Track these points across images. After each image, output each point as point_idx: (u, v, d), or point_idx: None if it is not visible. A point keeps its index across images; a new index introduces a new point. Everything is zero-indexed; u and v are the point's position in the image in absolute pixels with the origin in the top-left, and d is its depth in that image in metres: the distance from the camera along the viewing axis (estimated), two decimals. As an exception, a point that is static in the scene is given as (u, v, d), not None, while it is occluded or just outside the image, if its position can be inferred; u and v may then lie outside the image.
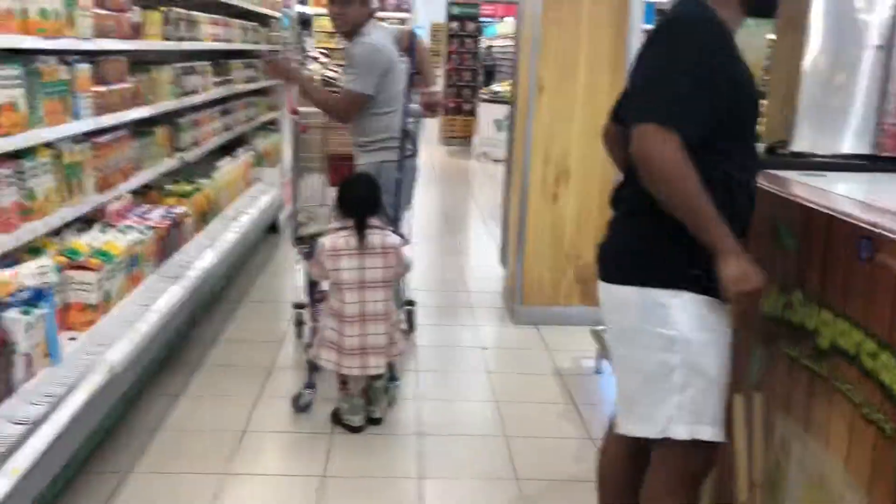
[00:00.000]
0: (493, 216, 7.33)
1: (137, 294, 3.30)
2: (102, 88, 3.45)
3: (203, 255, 4.05)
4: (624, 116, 2.10)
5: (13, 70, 2.68)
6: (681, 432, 1.88)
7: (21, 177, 2.78)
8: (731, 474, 2.26)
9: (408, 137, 3.54)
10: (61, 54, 3.17)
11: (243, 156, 5.98)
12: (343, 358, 3.03)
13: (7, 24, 2.66)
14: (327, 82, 10.17)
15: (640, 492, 2.19)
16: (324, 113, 3.77)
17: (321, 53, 12.42)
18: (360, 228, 3.01)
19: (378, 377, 3.18)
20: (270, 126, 7.48)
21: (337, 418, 3.20)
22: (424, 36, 18.13)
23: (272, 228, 6.28)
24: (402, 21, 18.44)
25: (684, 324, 1.84)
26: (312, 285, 3.62)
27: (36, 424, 2.24)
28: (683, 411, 1.87)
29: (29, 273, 2.45)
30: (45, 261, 2.55)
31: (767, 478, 2.06)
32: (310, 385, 3.36)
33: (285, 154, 6.99)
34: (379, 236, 3.05)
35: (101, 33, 3.39)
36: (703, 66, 1.75)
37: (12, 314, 2.34)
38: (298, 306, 4.05)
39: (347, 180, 3.21)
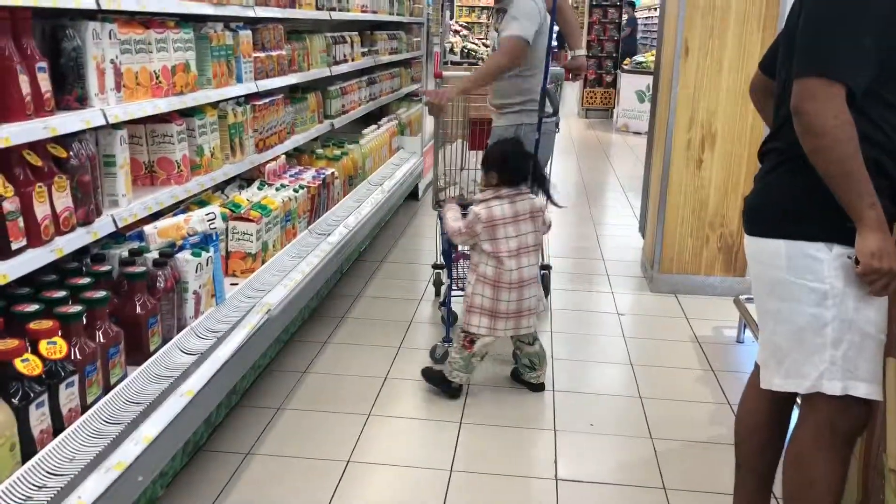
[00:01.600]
0: (631, 188, 7.22)
1: (291, 247, 3.52)
2: (261, 54, 3.67)
3: (349, 216, 4.24)
4: (773, 69, 2.04)
5: (186, 34, 2.92)
6: (833, 388, 1.83)
7: (191, 133, 3.03)
8: (882, 438, 2.18)
9: (548, 98, 3.53)
10: (226, 20, 3.41)
11: (387, 124, 6.18)
12: (496, 321, 3.05)
13: (177, -8, 2.89)
14: (467, 53, 10.30)
15: (779, 451, 2.15)
16: (496, 74, 3.61)
17: (462, 27, 12.56)
18: (516, 196, 3.03)
19: (533, 341, 3.20)
20: (413, 97, 7.66)
21: (433, 373, 3.20)
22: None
23: (412, 195, 6.46)
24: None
25: (838, 277, 1.79)
26: (449, 247, 3.72)
27: (203, 356, 2.46)
28: (836, 366, 1.82)
29: (199, 219, 2.67)
30: (214, 208, 2.77)
31: (920, 443, 1.97)
32: (447, 339, 3.48)
33: (426, 124, 7.16)
34: (528, 201, 3.07)
35: (261, 1, 3.61)
36: (870, 11, 1.68)
37: (185, 255, 2.57)
38: (437, 267, 4.18)
39: (499, 148, 3.15)
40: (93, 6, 2.28)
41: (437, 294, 4.11)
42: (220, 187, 3.57)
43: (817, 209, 1.79)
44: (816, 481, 1.93)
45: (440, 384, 3.17)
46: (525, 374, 3.25)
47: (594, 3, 12.95)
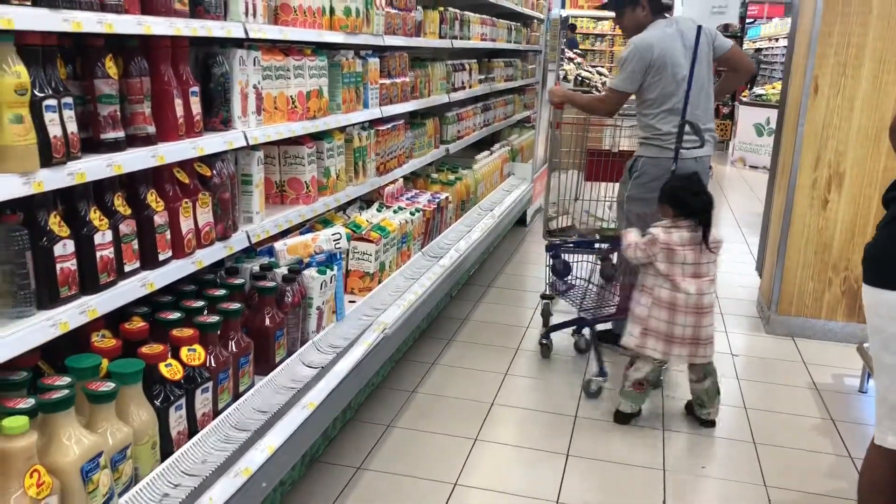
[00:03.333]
0: (747, 224, 7.01)
1: (405, 268, 3.61)
2: (387, 81, 3.80)
3: (461, 240, 4.30)
4: None
5: (321, 61, 3.06)
6: None
7: (320, 156, 3.17)
8: None
9: (693, 129, 3.49)
10: (357, 48, 3.55)
11: (499, 150, 6.24)
12: (672, 346, 3.06)
13: (319, 20, 3.03)
14: (581, 81, 10.29)
15: None
16: (589, 112, 3.96)
17: (576, 54, 12.55)
18: (706, 226, 3.07)
19: (703, 378, 3.18)
20: (525, 123, 7.72)
21: (619, 417, 3.24)
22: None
23: (521, 221, 6.49)
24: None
25: None
26: (557, 276, 3.77)
27: (324, 370, 2.56)
28: None
29: (325, 238, 2.79)
30: (339, 229, 2.88)
31: None
32: (602, 374, 3.47)
33: (538, 150, 7.18)
34: (710, 232, 3.11)
35: (389, 30, 3.74)
36: None
37: (311, 272, 2.68)
38: (545, 297, 4.16)
39: (685, 181, 3.17)
40: (242, 35, 2.43)
41: (545, 324, 4.11)
42: (343, 207, 3.70)
43: None
44: None
45: (629, 420, 3.23)
46: (696, 411, 3.25)
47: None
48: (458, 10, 4.98)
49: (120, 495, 1.71)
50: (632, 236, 3.18)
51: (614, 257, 3.88)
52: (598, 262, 3.92)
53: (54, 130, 1.73)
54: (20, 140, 1.65)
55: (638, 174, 3.66)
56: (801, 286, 4.22)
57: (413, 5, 4.07)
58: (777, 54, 14.10)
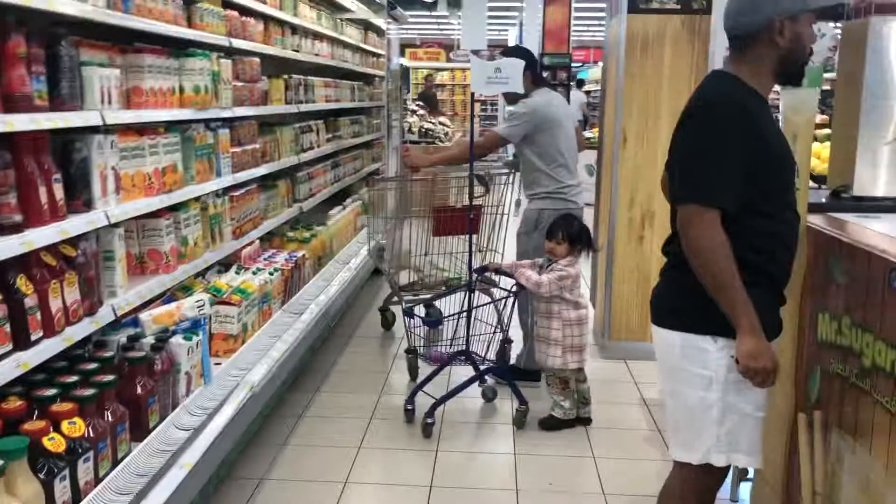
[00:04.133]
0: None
1: (268, 327, 3.78)
2: (238, 149, 4.01)
3: (320, 294, 4.53)
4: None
5: (174, 137, 3.24)
6: (720, 460, 2.16)
7: (178, 226, 3.32)
8: (797, 485, 2.51)
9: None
10: (206, 121, 3.74)
11: (351, 205, 6.53)
12: (584, 353, 3.80)
13: (170, 100, 3.22)
14: (425, 132, 10.78)
15: None
16: (460, 161, 4.38)
17: (418, 106, 13.10)
18: (591, 251, 3.91)
19: (585, 379, 3.89)
20: (374, 175, 8.06)
21: (553, 422, 3.79)
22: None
23: (377, 271, 6.76)
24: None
25: (721, 367, 2.09)
26: (431, 326, 4.23)
27: (197, 431, 2.71)
28: (721, 442, 2.14)
29: (189, 306, 2.95)
30: (202, 296, 3.05)
31: (826, 486, 2.30)
32: (523, 402, 3.84)
33: (388, 204, 7.53)
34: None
35: (237, 102, 3.96)
36: (729, 143, 2.00)
37: (177, 339, 2.83)
38: (410, 351, 4.39)
39: (572, 222, 3.83)
40: (99, 123, 2.60)
41: (413, 378, 4.33)
42: (202, 273, 3.83)
43: (704, 307, 2.06)
44: None
45: (562, 426, 3.79)
46: (580, 411, 3.84)
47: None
48: (301, 76, 5.26)
49: (11, 567, 1.82)
50: (535, 277, 3.71)
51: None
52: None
53: (-72, 229, 1.85)
54: None
55: (543, 226, 4.03)
56: (628, 314, 4.75)
57: (258, 76, 4.31)
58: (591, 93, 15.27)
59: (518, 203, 4.32)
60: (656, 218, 4.64)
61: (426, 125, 10.58)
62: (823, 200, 2.93)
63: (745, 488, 3.01)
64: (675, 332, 2.16)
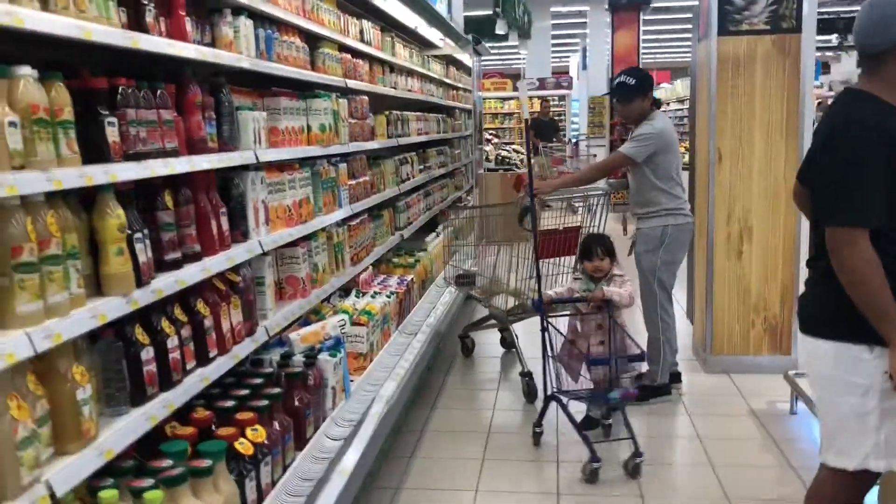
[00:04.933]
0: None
1: (389, 347, 4.02)
2: (353, 182, 4.28)
3: (430, 316, 4.74)
4: (804, 179, 2.47)
5: (306, 172, 3.51)
6: (878, 466, 2.21)
7: (310, 254, 3.58)
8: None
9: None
10: (328, 157, 4.02)
11: (443, 231, 6.76)
12: None
13: (300, 138, 3.50)
14: (502, 160, 11.03)
15: None
16: (587, 181, 4.69)
17: (491, 134, 13.39)
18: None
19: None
20: (458, 203, 8.30)
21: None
22: (581, 109, 18.85)
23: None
24: (562, 97, 19.27)
25: (879, 373, 2.15)
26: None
27: (346, 441, 2.93)
28: (880, 448, 2.19)
29: (332, 325, 3.19)
30: (343, 316, 3.29)
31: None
32: (595, 459, 3.51)
33: (476, 228, 7.76)
34: None
35: (352, 138, 4.24)
36: (870, 165, 2.10)
37: (324, 356, 3.07)
38: (525, 375, 4.52)
39: (594, 238, 3.97)
40: (254, 161, 2.88)
41: (530, 401, 4.44)
42: (327, 298, 4.09)
43: (857, 317, 2.14)
44: None
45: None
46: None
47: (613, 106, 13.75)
48: (398, 112, 5.54)
49: (220, 556, 2.05)
50: (626, 291, 3.77)
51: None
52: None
53: (142, 258, 2.12)
54: (122, 268, 2.03)
55: (668, 242, 4.31)
56: (729, 328, 4.82)
57: (367, 113, 4.59)
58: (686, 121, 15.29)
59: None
60: (755, 233, 4.72)
61: (502, 153, 10.82)
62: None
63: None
64: (828, 342, 2.23)
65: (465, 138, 8.83)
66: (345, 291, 4.33)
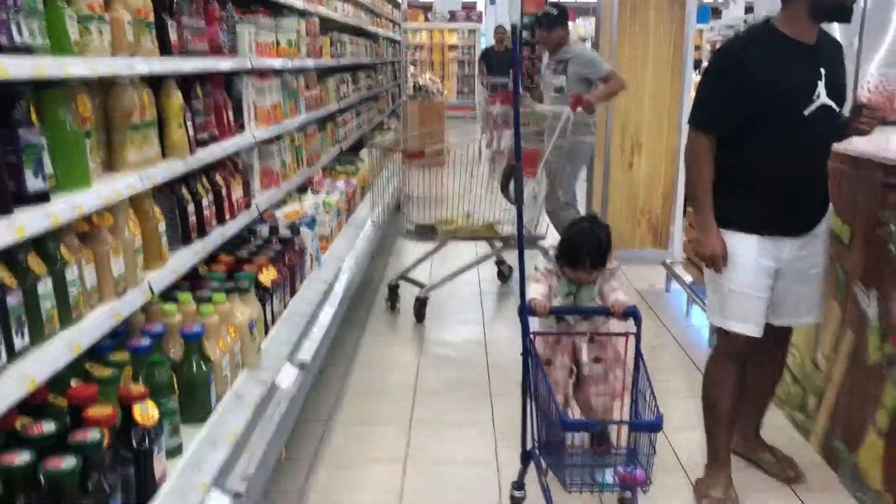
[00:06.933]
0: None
1: (342, 234, 4.76)
2: (308, 94, 4.93)
3: (372, 214, 5.51)
4: None
5: (278, 81, 4.16)
6: (714, 321, 2.80)
7: (280, 151, 4.25)
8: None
9: None
10: (290, 71, 4.65)
11: (372, 150, 7.45)
12: None
13: (272, 51, 4.13)
14: (419, 88, 11.66)
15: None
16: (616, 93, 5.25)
17: (411, 64, 13.96)
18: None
19: None
20: (381, 125, 8.98)
21: None
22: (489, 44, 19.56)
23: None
24: (472, 31, 19.91)
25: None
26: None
27: (326, 292, 3.70)
28: (714, 307, 2.76)
29: (309, 205, 3.91)
30: (316, 198, 4.01)
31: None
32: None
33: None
34: None
35: (308, 55, 4.87)
36: (721, 83, 2.54)
37: (304, 229, 3.80)
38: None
39: (589, 242, 2.70)
40: (249, 67, 3.53)
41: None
42: (289, 193, 4.78)
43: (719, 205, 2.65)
44: (715, 384, 2.81)
45: None
46: None
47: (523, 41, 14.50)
48: (338, 33, 6.15)
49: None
50: (622, 297, 2.68)
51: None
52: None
53: (191, 133, 2.79)
54: (181, 139, 2.70)
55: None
56: (620, 227, 5.79)
57: (318, 34, 5.22)
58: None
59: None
60: (644, 148, 5.68)
61: (420, 81, 11.46)
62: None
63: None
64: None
65: (385, 64, 9.46)
66: (301, 190, 5.02)
